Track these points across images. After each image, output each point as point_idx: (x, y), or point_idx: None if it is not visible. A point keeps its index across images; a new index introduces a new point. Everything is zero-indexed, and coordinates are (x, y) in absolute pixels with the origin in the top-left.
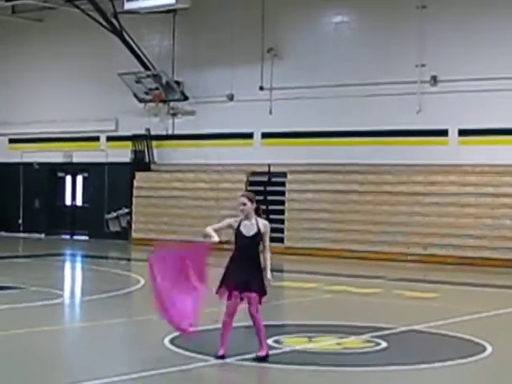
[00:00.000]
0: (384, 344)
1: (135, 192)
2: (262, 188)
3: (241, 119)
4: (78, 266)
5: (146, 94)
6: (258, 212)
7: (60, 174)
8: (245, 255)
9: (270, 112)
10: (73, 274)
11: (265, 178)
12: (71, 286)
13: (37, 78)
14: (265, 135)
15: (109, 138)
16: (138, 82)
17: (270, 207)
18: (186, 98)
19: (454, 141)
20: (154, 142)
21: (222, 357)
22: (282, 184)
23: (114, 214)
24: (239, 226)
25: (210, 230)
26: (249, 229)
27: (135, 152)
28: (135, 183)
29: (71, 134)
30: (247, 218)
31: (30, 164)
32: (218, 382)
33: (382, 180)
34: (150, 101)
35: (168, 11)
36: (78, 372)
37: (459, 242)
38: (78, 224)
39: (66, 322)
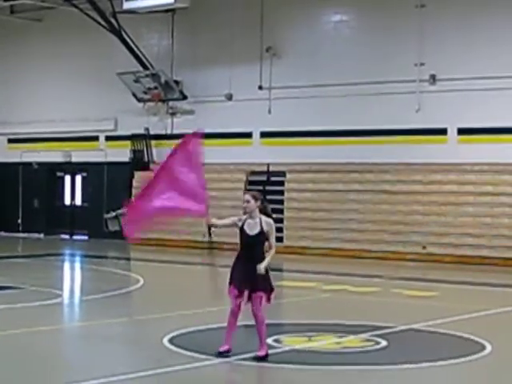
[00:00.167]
0: (384, 343)
1: (134, 191)
2: (261, 187)
3: (240, 118)
4: (78, 265)
5: (145, 93)
6: (265, 211)
7: (59, 174)
8: (249, 254)
9: (269, 111)
10: (72, 273)
11: (264, 178)
12: (70, 285)
13: (36, 78)
14: (264, 134)
15: (108, 138)
16: (136, 81)
17: (269, 206)
18: (184, 98)
19: (453, 139)
20: (153, 142)
21: (222, 353)
22: (281, 183)
23: (113, 214)
24: (243, 224)
25: (214, 219)
26: (252, 228)
27: (134, 151)
28: (134, 183)
29: (70, 133)
30: (252, 216)
31: (29, 164)
32: (218, 381)
33: (381, 179)
34: (149, 100)
35: (167, 11)
36: (78, 372)
37: (458, 240)
38: (77, 224)
39: (65, 321)
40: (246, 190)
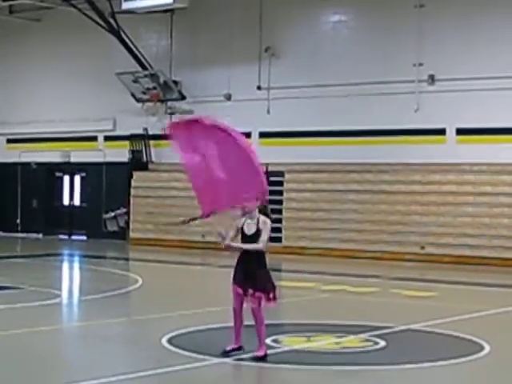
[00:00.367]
0: (382, 343)
1: (133, 192)
2: None
3: (238, 119)
4: (76, 265)
5: (144, 93)
6: (264, 211)
7: (58, 174)
8: (247, 254)
9: (268, 111)
10: (71, 273)
11: None
12: (69, 285)
13: (34, 78)
14: (263, 135)
15: (106, 138)
16: (135, 81)
17: (269, 207)
18: (183, 98)
19: (451, 140)
20: (152, 142)
21: (227, 352)
22: (280, 183)
23: (112, 214)
24: (243, 224)
25: (226, 232)
26: (250, 228)
27: (133, 152)
28: (133, 183)
29: (69, 133)
30: (251, 216)
31: (28, 164)
32: (217, 381)
33: (379, 179)
34: (148, 100)
35: (165, 11)
36: (77, 372)
37: (457, 240)
38: (76, 224)
39: (64, 321)
40: None
